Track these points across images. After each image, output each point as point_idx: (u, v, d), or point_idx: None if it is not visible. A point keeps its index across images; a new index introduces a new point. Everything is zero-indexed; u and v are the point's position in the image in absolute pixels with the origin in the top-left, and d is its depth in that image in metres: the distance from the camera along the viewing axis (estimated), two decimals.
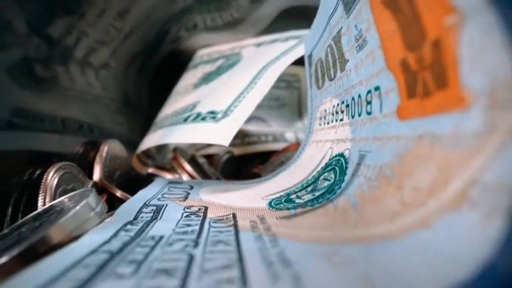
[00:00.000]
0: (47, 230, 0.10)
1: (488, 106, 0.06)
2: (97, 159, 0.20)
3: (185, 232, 0.10)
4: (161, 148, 0.28)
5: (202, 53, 0.32)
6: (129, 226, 0.11)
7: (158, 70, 0.34)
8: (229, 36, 0.31)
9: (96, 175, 0.19)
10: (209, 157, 0.28)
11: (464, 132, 0.07)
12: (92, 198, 0.11)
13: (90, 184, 0.17)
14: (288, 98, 0.34)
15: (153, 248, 0.08)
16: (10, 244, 0.10)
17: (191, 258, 0.08)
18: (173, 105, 0.25)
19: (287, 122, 0.33)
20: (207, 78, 0.25)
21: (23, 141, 0.20)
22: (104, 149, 0.20)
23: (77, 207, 0.10)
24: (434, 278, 0.06)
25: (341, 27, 0.13)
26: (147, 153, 0.27)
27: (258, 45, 0.27)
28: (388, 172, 0.09)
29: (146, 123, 0.32)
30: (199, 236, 0.09)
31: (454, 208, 0.06)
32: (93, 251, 0.08)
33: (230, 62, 0.26)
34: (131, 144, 0.27)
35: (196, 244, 0.09)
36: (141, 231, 0.10)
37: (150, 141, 0.23)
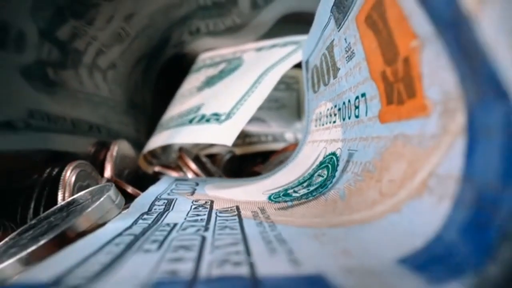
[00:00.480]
0: (76, 219, 0.11)
1: (441, 113, 0.08)
2: (108, 158, 0.22)
3: (195, 220, 0.12)
4: (166, 148, 0.30)
5: (204, 57, 0.34)
6: (145, 216, 0.12)
7: (162, 73, 0.36)
8: (230, 40, 0.33)
9: (108, 173, 0.21)
10: (211, 156, 0.30)
11: (426, 133, 0.08)
12: (112, 192, 0.13)
13: (104, 181, 0.19)
14: (288, 99, 0.36)
15: (169, 232, 0.10)
16: (42, 231, 0.12)
17: (203, 239, 0.09)
18: (178, 107, 0.27)
19: (287, 123, 0.35)
20: (210, 82, 0.27)
21: (39, 141, 0.22)
22: (114, 149, 0.22)
23: (101, 199, 0.12)
24: (398, 247, 0.07)
25: (333, 39, 0.15)
26: (152, 153, 0.28)
27: (259, 49, 0.28)
28: (371, 168, 0.11)
29: (150, 124, 0.33)
30: (208, 223, 0.11)
31: (418, 195, 0.08)
32: (119, 234, 0.10)
33: (231, 66, 0.28)
34: (137, 144, 0.29)
35: (206, 229, 0.10)
36: (157, 220, 0.12)
37: (157, 141, 0.25)
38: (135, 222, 0.12)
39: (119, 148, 0.22)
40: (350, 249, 0.08)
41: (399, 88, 0.10)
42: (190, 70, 0.34)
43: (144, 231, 0.10)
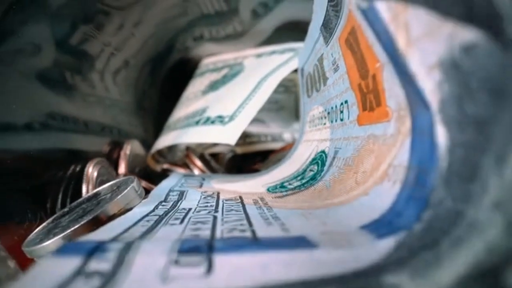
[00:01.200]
0: (108, 204, 0.14)
1: (397, 119, 0.10)
2: (122, 156, 0.25)
3: (206, 206, 0.14)
4: (171, 147, 0.32)
5: (207, 62, 0.36)
6: (163, 203, 0.15)
7: (167, 77, 0.39)
8: (232, 46, 0.36)
9: (122, 169, 0.24)
10: (214, 155, 0.32)
11: (387, 134, 0.11)
12: (135, 184, 0.15)
13: (120, 176, 0.22)
14: (286, 101, 0.39)
15: (186, 213, 0.13)
16: (79, 215, 0.15)
17: (214, 217, 0.12)
18: (184, 109, 0.30)
19: (285, 123, 0.37)
20: (214, 86, 0.30)
21: (59, 140, 0.25)
22: (128, 148, 0.25)
23: (127, 189, 0.15)
24: (361, 218, 0.10)
25: (323, 53, 0.17)
26: (159, 152, 0.31)
27: (258, 56, 0.31)
28: (350, 162, 0.14)
29: (157, 124, 0.36)
30: (216, 208, 0.14)
31: (380, 181, 0.11)
32: (146, 215, 0.13)
33: (233, 71, 0.30)
34: (145, 143, 0.31)
35: (216, 211, 0.13)
36: (174, 206, 0.15)
37: (165, 141, 0.27)
38: (156, 207, 0.14)
39: (132, 147, 0.25)
40: (327, 222, 0.10)
41: (370, 98, 0.12)
42: (194, 74, 0.36)
43: (166, 213, 0.13)
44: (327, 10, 0.14)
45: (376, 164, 0.11)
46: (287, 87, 0.39)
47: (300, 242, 0.09)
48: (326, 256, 0.08)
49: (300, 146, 0.23)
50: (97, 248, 0.08)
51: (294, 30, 0.33)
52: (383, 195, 0.10)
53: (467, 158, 0.07)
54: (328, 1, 0.14)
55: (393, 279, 0.06)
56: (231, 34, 0.34)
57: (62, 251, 0.08)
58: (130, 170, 0.25)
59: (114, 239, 0.09)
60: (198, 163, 0.24)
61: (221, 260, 0.07)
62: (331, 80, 0.17)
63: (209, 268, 0.07)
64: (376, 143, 0.12)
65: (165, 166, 0.27)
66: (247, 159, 0.34)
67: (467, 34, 0.06)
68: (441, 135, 0.08)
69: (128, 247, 0.08)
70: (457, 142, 0.07)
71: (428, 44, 0.07)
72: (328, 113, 0.18)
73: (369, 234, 0.09)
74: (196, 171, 0.25)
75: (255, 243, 0.09)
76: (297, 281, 0.07)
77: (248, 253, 0.08)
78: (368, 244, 0.08)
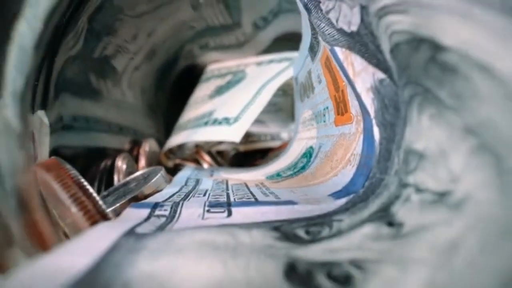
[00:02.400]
0: (144, 187, 0.19)
1: (356, 122, 0.15)
2: (141, 152, 0.30)
3: (219, 188, 0.19)
4: (181, 146, 0.37)
5: (212, 68, 0.41)
6: (184, 187, 0.20)
7: (176, 81, 0.44)
8: (234, 54, 0.41)
9: (142, 163, 0.29)
10: (219, 153, 0.37)
11: (351, 132, 0.16)
12: (163, 172, 0.20)
13: (141, 169, 0.27)
14: (284, 104, 0.43)
15: (205, 192, 0.18)
16: (120, 195, 0.20)
17: (227, 194, 0.17)
18: (193, 111, 0.34)
19: (283, 124, 0.42)
20: (219, 91, 0.35)
21: (86, 139, 0.29)
22: (146, 145, 0.30)
23: (158, 176, 0.20)
24: (330, 190, 0.15)
25: (310, 68, 0.22)
26: (170, 150, 0.36)
27: (259, 64, 0.36)
28: (329, 154, 0.19)
29: (167, 125, 0.41)
30: (227, 189, 0.19)
31: (345, 165, 0.16)
32: (175, 193, 0.18)
33: (236, 78, 0.35)
34: (157, 142, 0.36)
35: (227, 190, 0.18)
36: (194, 188, 0.20)
37: (177, 139, 0.32)
38: (180, 189, 0.19)
39: (150, 145, 0.30)
40: (308, 194, 0.15)
41: (341, 106, 0.17)
42: (200, 79, 0.41)
43: (190, 192, 0.18)
44: (311, 38, 0.19)
45: (344, 154, 0.16)
46: (285, 91, 0.44)
47: (287, 202, 0.13)
48: (302, 208, 0.13)
49: (294, 144, 0.28)
50: (157, 204, 0.13)
51: (290, 41, 0.38)
52: (346, 175, 0.15)
53: (387, 147, 0.12)
54: (311, 32, 0.19)
55: (338, 217, 0.11)
56: (234, 43, 0.39)
57: (136, 206, 0.13)
58: (148, 165, 0.30)
59: (164, 201, 0.14)
60: (207, 158, 0.29)
61: (235, 210, 0.12)
62: (317, 90, 0.22)
63: (229, 214, 0.12)
64: (345, 139, 0.17)
65: (177, 161, 0.32)
66: (248, 156, 0.39)
67: (380, 74, 0.11)
68: (376, 133, 0.13)
69: (176, 204, 0.13)
70: (383, 137, 0.12)
71: (364, 76, 0.12)
72: (315, 116, 0.23)
73: (332, 198, 0.14)
74: (205, 165, 0.30)
75: (256, 202, 0.14)
76: (283, 219, 0.12)
77: (252, 207, 0.13)
78: (330, 203, 0.13)
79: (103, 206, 0.12)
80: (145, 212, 0.12)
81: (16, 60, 0.09)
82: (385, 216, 0.10)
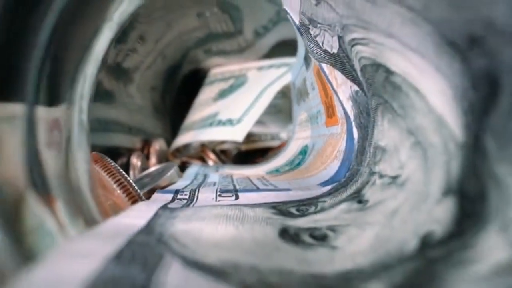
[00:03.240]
0: (160, 180, 0.22)
1: (341, 124, 0.19)
2: (152, 151, 0.33)
3: (224, 181, 0.23)
4: (187, 145, 0.41)
5: (215, 72, 0.45)
6: (195, 180, 0.23)
7: (181, 84, 0.47)
8: (236, 59, 0.44)
9: (153, 161, 0.32)
10: (223, 151, 0.41)
11: (338, 132, 0.19)
12: (176, 167, 0.24)
13: (156, 166, 0.30)
14: (283, 106, 0.47)
15: (214, 183, 0.21)
16: (139, 187, 0.23)
17: (234, 185, 0.20)
18: (198, 113, 0.38)
19: (282, 124, 0.46)
20: (222, 94, 0.38)
21: (102, 139, 0.33)
22: (156, 145, 0.33)
23: (172, 170, 0.23)
24: (319, 180, 0.18)
25: (305, 76, 0.26)
26: (177, 149, 0.39)
27: (259, 69, 0.40)
28: (320, 151, 0.22)
29: (173, 126, 0.44)
30: (232, 181, 0.22)
31: (333, 161, 0.19)
32: (188, 185, 0.21)
33: (239, 82, 0.39)
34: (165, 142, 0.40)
35: (232, 182, 0.21)
36: (203, 181, 0.23)
37: (184, 139, 0.36)
38: (192, 182, 0.23)
39: (159, 144, 0.33)
40: (301, 184, 0.19)
41: (330, 110, 0.21)
42: (204, 82, 0.45)
43: (200, 184, 0.21)
44: (305, 51, 0.23)
45: (332, 151, 0.20)
46: (284, 93, 0.47)
47: (283, 189, 0.17)
48: (295, 193, 0.16)
49: (292, 143, 0.31)
50: (178, 191, 0.16)
51: (288, 46, 0.41)
52: (332, 168, 0.19)
53: (362, 144, 0.15)
54: (305, 47, 0.22)
55: (323, 199, 0.15)
56: (236, 49, 0.43)
57: (161, 191, 0.16)
58: (158, 162, 0.33)
59: (183, 189, 0.17)
60: (212, 156, 0.33)
61: (241, 195, 0.16)
62: (311, 95, 0.25)
63: (236, 197, 0.16)
64: (333, 138, 0.20)
65: (184, 159, 0.35)
66: (250, 154, 0.42)
67: (355, 86, 0.15)
68: (355, 133, 0.16)
69: (193, 190, 0.16)
70: (359, 136, 0.16)
71: (344, 88, 0.16)
72: (310, 118, 0.26)
73: (320, 186, 0.17)
74: (211, 163, 0.33)
75: (258, 189, 0.17)
76: (279, 201, 0.15)
77: (255, 192, 0.16)
78: (317, 189, 0.16)
79: (139, 190, 0.15)
80: (169, 196, 0.16)
81: (92, 70, 0.12)
82: (357, 196, 0.14)
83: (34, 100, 0.08)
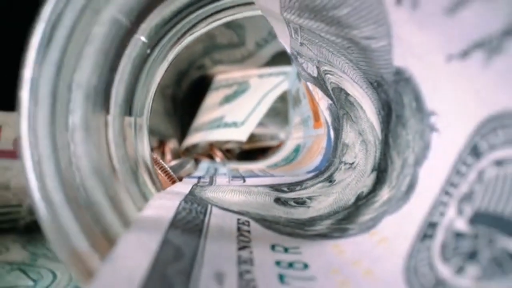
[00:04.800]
0: (181, 172, 0.29)
1: (324, 126, 0.25)
2: (167, 149, 0.40)
3: (232, 172, 0.29)
4: (195, 145, 0.47)
5: (220, 78, 0.51)
6: (208, 172, 0.30)
7: (188, 89, 0.54)
8: (239, 67, 0.51)
9: (168, 158, 0.39)
10: (227, 150, 0.47)
11: (322, 133, 0.26)
12: (192, 162, 0.30)
13: (175, 161, 0.37)
14: (281, 109, 0.54)
15: (225, 174, 0.28)
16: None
17: (240, 174, 0.27)
18: (206, 116, 0.45)
19: (280, 126, 0.52)
20: (227, 99, 0.45)
21: None
22: (171, 144, 0.40)
23: (189, 164, 0.30)
24: (307, 169, 0.25)
25: (299, 86, 0.32)
26: (187, 148, 0.46)
27: (260, 76, 0.46)
28: (309, 149, 0.29)
29: (181, 128, 0.51)
30: (239, 172, 0.29)
31: (317, 155, 0.26)
32: (205, 174, 0.28)
33: (242, 88, 0.45)
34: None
35: (239, 172, 0.28)
36: (215, 173, 0.30)
37: (193, 139, 0.42)
38: (206, 173, 0.29)
39: (173, 144, 0.40)
40: (293, 173, 0.26)
41: (316, 115, 0.27)
42: (210, 88, 0.52)
43: (213, 174, 0.28)
44: None
45: (317, 148, 0.27)
46: (282, 98, 0.54)
47: (278, 176, 0.24)
48: (286, 178, 0.23)
49: (288, 142, 0.38)
50: (200, 177, 0.23)
51: (286, 57, 0.48)
52: (316, 160, 0.25)
53: (336, 142, 0.22)
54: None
55: (307, 182, 0.21)
56: (239, 58, 0.50)
57: (188, 177, 0.23)
58: (173, 159, 0.40)
59: (203, 176, 0.24)
60: (220, 154, 0.39)
61: (247, 179, 0.23)
62: (303, 102, 0.32)
63: (244, 181, 0.22)
64: (318, 138, 0.27)
65: (195, 156, 0.42)
66: (251, 153, 0.49)
67: (329, 100, 0.21)
68: (332, 135, 0.23)
69: (211, 177, 0.23)
70: (334, 137, 0.23)
71: (323, 101, 0.22)
72: (302, 121, 0.33)
73: (306, 173, 0.24)
74: (218, 159, 0.40)
75: (259, 176, 0.24)
76: (275, 183, 0.22)
77: (257, 178, 0.23)
78: (304, 175, 0.23)
79: (174, 175, 0.22)
80: (195, 180, 0.22)
81: (154, 88, 0.19)
82: (329, 178, 0.20)
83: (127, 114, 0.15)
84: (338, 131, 0.22)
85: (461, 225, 0.09)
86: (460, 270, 0.08)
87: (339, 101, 0.19)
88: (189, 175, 0.30)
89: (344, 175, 0.19)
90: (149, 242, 0.09)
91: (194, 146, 0.48)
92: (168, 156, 0.39)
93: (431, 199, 0.10)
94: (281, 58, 0.50)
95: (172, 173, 0.22)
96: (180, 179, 0.22)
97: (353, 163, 0.18)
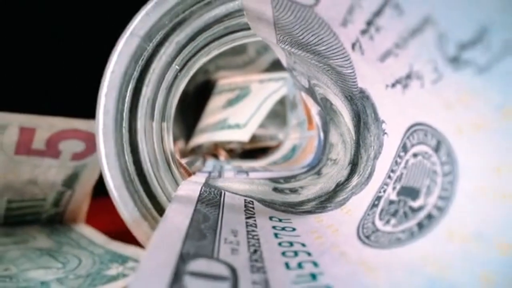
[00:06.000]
0: (192, 168, 0.34)
1: (316, 128, 0.31)
2: (176, 149, 0.45)
3: (236, 168, 0.34)
4: (200, 145, 0.52)
5: (223, 83, 0.57)
6: (215, 168, 0.35)
7: (191, 95, 0.59)
8: (241, 72, 0.56)
9: (177, 157, 0.44)
10: (230, 150, 0.52)
11: (314, 135, 0.31)
12: (201, 159, 0.35)
13: (186, 159, 0.42)
14: (280, 111, 0.59)
15: (230, 169, 0.33)
16: None
17: (244, 169, 0.32)
18: (210, 118, 0.50)
19: (279, 127, 0.57)
20: (230, 103, 0.50)
21: None
22: (179, 143, 0.45)
23: (199, 161, 0.35)
24: (302, 164, 0.30)
25: (295, 93, 0.38)
26: (192, 148, 0.51)
27: (261, 81, 0.51)
28: (304, 148, 0.34)
29: (187, 129, 0.56)
30: (242, 168, 0.34)
31: (310, 153, 0.31)
32: (212, 170, 0.33)
33: (243, 92, 0.50)
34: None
35: (243, 169, 0.33)
36: (221, 169, 0.35)
37: (199, 139, 0.47)
38: (213, 169, 0.34)
39: (180, 144, 0.45)
40: (289, 169, 0.31)
41: (309, 119, 0.32)
42: (213, 92, 0.57)
43: (220, 170, 0.33)
44: None
45: (310, 147, 0.32)
46: (281, 101, 0.59)
47: (276, 171, 0.29)
48: (283, 173, 0.28)
49: (286, 143, 0.43)
50: (210, 172, 0.28)
51: None
52: (309, 158, 0.30)
53: (324, 142, 0.27)
54: None
55: (300, 175, 0.26)
56: (241, 64, 0.55)
57: (200, 172, 0.28)
58: (181, 157, 0.45)
59: (212, 171, 0.29)
60: (224, 153, 0.45)
61: (250, 174, 0.28)
62: (299, 107, 0.37)
63: (247, 175, 0.27)
64: (311, 139, 0.32)
65: (201, 155, 0.47)
66: (252, 153, 0.54)
67: (318, 107, 0.26)
68: (321, 135, 0.28)
69: (219, 172, 0.28)
70: (323, 138, 0.28)
71: (314, 107, 0.27)
72: (299, 123, 0.38)
73: (300, 168, 0.29)
74: (222, 158, 0.45)
75: (260, 171, 0.29)
76: (273, 177, 0.27)
77: (259, 172, 0.28)
78: (298, 170, 0.28)
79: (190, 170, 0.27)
80: (206, 174, 0.27)
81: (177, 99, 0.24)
82: (318, 172, 0.25)
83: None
84: (326, 133, 0.27)
85: (393, 196, 0.14)
86: (387, 222, 0.13)
87: (326, 109, 0.24)
88: (199, 171, 0.35)
89: (329, 169, 0.24)
90: (186, 210, 0.14)
91: (199, 146, 0.53)
92: (177, 155, 0.44)
93: (380, 182, 0.15)
94: (279, 64, 0.55)
95: (188, 167, 0.27)
96: (191, 174, 0.27)
97: (336, 159, 0.23)
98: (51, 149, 0.33)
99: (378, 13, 0.10)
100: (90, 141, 0.33)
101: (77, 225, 0.39)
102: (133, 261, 0.28)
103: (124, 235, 0.32)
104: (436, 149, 0.12)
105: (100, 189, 0.40)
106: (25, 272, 0.28)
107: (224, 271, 0.11)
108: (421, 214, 0.11)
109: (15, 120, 0.30)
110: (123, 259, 0.29)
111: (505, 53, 0.07)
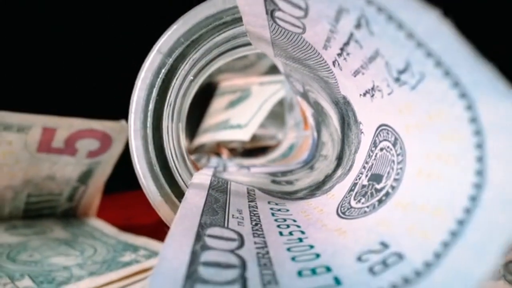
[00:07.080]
0: (199, 164, 0.38)
1: (311, 129, 0.35)
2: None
3: (238, 164, 0.38)
4: (203, 144, 0.57)
5: (224, 85, 0.61)
6: (219, 165, 0.39)
7: (196, 95, 0.63)
8: (241, 74, 0.60)
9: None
10: (231, 149, 0.56)
11: (309, 134, 0.35)
12: (206, 157, 0.40)
13: (192, 156, 0.46)
14: (279, 112, 0.63)
15: (233, 165, 0.37)
16: None
17: (247, 167, 0.36)
18: (213, 119, 0.54)
19: (278, 127, 0.61)
20: (232, 104, 0.54)
21: None
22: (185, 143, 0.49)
23: (204, 159, 0.39)
24: (298, 161, 0.34)
25: (292, 95, 0.42)
26: (196, 147, 0.55)
27: (261, 84, 0.56)
28: (300, 146, 0.38)
29: (190, 129, 0.60)
30: (243, 165, 0.38)
31: (306, 151, 0.35)
32: (218, 165, 0.37)
33: (244, 94, 0.55)
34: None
35: (244, 165, 0.37)
36: (225, 165, 0.39)
37: (203, 139, 0.52)
38: (217, 166, 0.38)
39: (186, 143, 0.49)
40: (286, 165, 0.35)
41: (305, 119, 0.37)
42: (215, 94, 0.61)
43: (224, 166, 0.37)
44: None
45: (306, 146, 0.36)
46: (280, 103, 0.63)
47: (275, 167, 0.33)
48: (281, 168, 0.32)
49: (284, 142, 0.47)
50: (215, 167, 0.32)
51: None
52: (304, 155, 0.35)
53: (317, 140, 0.31)
54: None
55: (295, 170, 0.31)
56: (242, 67, 0.59)
57: (206, 167, 0.32)
58: None
59: (217, 166, 0.33)
60: (226, 151, 0.49)
61: (251, 169, 0.32)
62: (296, 108, 0.41)
63: (249, 170, 0.31)
64: (307, 138, 0.36)
65: (204, 153, 0.51)
66: (252, 152, 0.58)
67: (313, 110, 0.30)
68: (315, 135, 0.32)
69: (223, 167, 0.32)
70: (316, 137, 0.32)
71: (308, 110, 0.32)
72: (296, 124, 0.42)
73: (296, 164, 0.33)
74: (224, 156, 0.49)
75: (260, 167, 0.33)
76: (271, 171, 0.31)
77: (259, 168, 0.32)
78: (294, 166, 0.32)
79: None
80: (212, 169, 0.31)
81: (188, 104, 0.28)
82: (311, 167, 0.29)
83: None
84: (319, 132, 0.31)
85: (365, 181, 0.18)
86: (358, 201, 0.17)
87: (318, 111, 0.28)
88: (205, 167, 0.39)
89: (321, 164, 0.28)
90: (201, 193, 0.19)
91: (203, 145, 0.57)
92: None
93: (357, 171, 0.19)
94: (278, 68, 0.59)
95: (196, 162, 0.31)
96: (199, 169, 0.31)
97: (326, 155, 0.27)
98: (69, 147, 0.38)
99: (346, 43, 0.14)
100: (104, 140, 0.38)
101: (89, 219, 0.43)
102: (144, 249, 0.32)
103: (133, 228, 0.36)
104: (394, 144, 0.16)
105: (110, 186, 0.44)
106: (48, 258, 0.32)
107: (233, 235, 0.15)
108: (382, 193, 0.15)
109: (39, 121, 0.34)
110: (134, 248, 0.33)
111: (423, 79, 0.11)
